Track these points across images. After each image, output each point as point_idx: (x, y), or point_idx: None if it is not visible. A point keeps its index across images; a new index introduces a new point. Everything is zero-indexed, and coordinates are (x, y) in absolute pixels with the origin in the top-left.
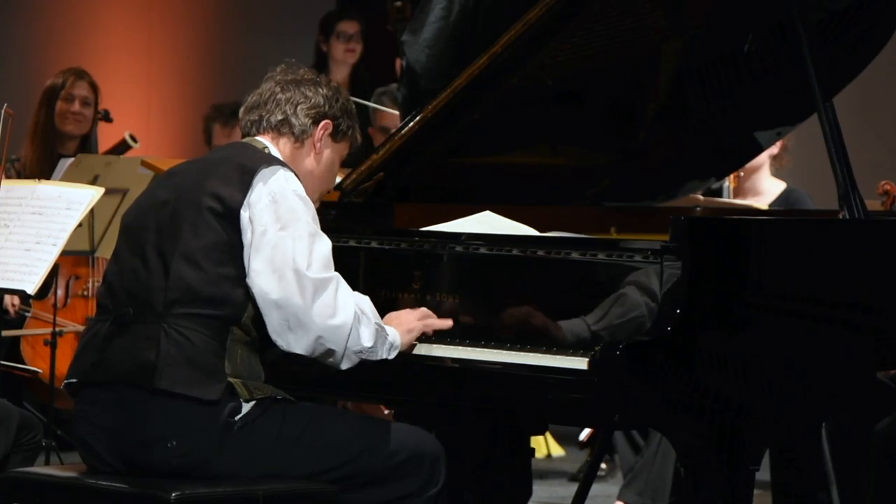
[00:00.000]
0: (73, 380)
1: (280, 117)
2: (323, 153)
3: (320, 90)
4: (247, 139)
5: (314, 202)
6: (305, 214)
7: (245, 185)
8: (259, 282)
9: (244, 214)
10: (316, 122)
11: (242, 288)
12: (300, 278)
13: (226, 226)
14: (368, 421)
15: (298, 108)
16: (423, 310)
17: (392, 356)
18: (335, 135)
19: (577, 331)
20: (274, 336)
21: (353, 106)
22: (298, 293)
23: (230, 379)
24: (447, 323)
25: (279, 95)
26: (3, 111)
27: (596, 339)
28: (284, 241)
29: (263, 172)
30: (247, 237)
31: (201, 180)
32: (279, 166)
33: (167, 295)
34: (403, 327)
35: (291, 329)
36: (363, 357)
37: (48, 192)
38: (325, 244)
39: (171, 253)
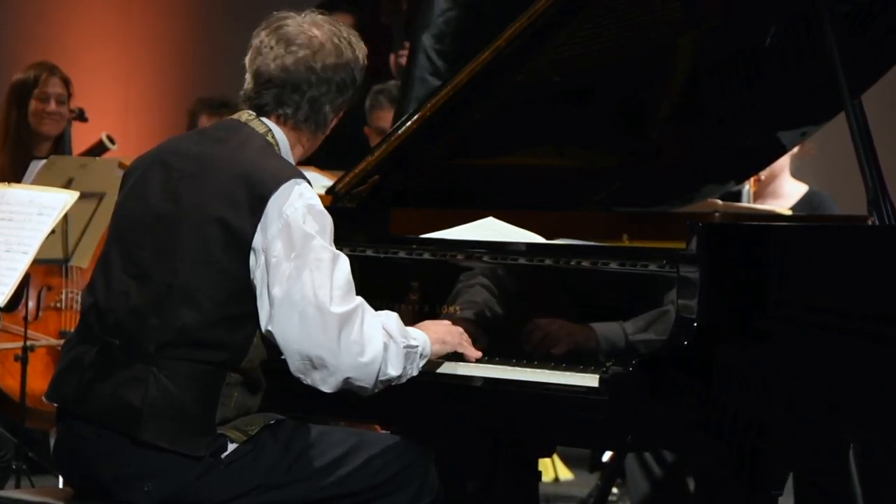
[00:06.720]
0: (54, 403)
1: (306, 114)
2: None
3: (350, 71)
4: (246, 118)
5: (306, 153)
6: (319, 234)
7: (256, 212)
8: (278, 320)
9: (257, 240)
10: (337, 112)
11: (245, 329)
12: (323, 315)
13: (233, 258)
14: (354, 437)
15: (326, 107)
16: (460, 329)
17: (418, 370)
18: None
19: (613, 338)
20: (297, 374)
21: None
22: (322, 332)
23: (220, 431)
24: (477, 354)
25: (312, 89)
26: None
27: (631, 351)
28: (301, 274)
29: (276, 197)
30: (258, 269)
31: (205, 197)
32: (291, 181)
33: (160, 335)
34: (437, 336)
35: (317, 369)
36: (391, 384)
37: (19, 196)
38: (343, 266)
39: (169, 287)
